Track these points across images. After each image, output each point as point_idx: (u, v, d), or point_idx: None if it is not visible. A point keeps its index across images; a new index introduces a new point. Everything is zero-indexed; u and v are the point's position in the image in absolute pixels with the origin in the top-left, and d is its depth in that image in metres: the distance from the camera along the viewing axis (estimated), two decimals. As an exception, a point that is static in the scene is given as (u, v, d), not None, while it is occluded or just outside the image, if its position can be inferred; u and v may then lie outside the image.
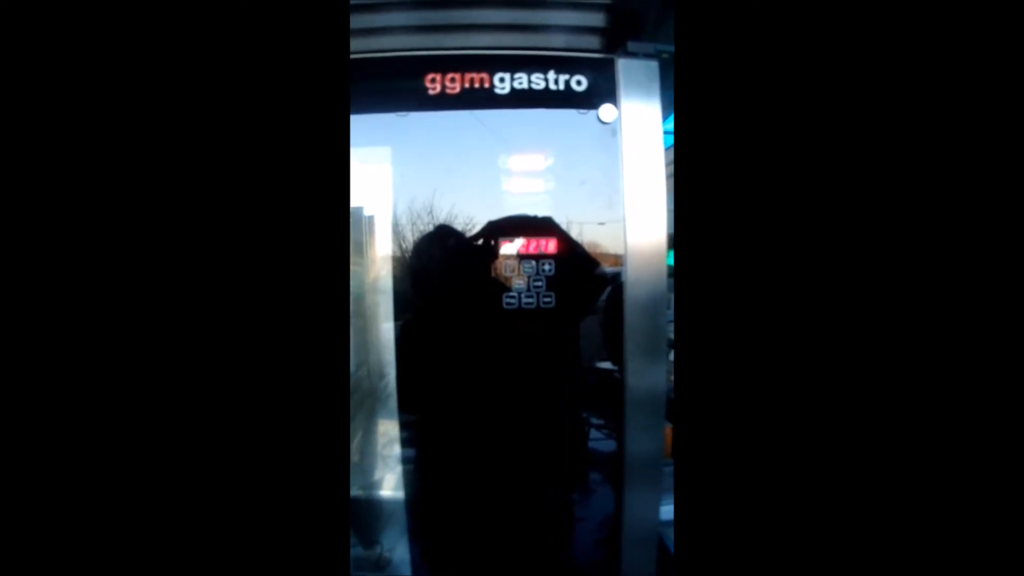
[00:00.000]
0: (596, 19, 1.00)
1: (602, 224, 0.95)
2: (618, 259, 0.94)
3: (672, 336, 0.97)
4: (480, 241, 0.95)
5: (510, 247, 0.94)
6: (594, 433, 1.06)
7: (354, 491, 1.23)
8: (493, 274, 0.94)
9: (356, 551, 1.20)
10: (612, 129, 0.95)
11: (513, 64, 0.94)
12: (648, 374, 0.94)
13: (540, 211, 0.95)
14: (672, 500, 0.68)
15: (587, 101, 0.95)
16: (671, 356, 1.05)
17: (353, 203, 1.04)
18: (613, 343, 0.95)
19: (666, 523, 1.02)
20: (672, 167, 0.68)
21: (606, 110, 0.94)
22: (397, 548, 1.18)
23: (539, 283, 0.94)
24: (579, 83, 0.95)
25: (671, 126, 1.20)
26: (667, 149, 0.97)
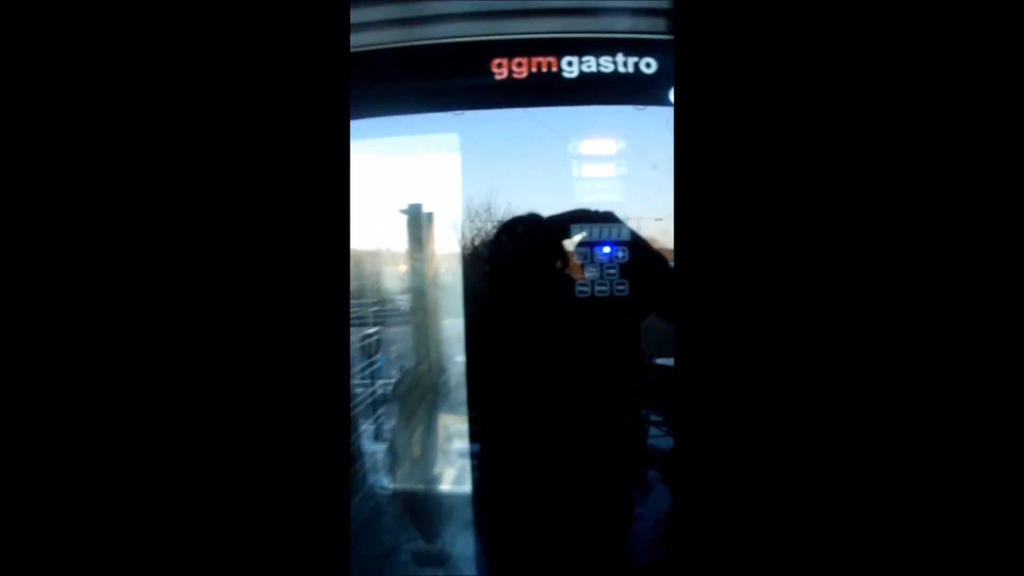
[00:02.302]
0: (660, 1, 0.97)
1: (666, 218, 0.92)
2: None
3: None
4: (549, 231, 0.93)
5: (578, 237, 0.92)
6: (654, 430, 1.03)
7: (415, 485, 1.25)
8: (563, 264, 0.92)
9: (417, 544, 1.21)
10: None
11: (581, 47, 0.92)
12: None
13: (611, 197, 0.93)
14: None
15: (656, 83, 0.92)
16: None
17: (417, 198, 1.05)
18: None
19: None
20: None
21: (677, 91, 0.91)
22: (457, 542, 1.18)
23: (612, 271, 0.91)
24: (648, 65, 0.92)
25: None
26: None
